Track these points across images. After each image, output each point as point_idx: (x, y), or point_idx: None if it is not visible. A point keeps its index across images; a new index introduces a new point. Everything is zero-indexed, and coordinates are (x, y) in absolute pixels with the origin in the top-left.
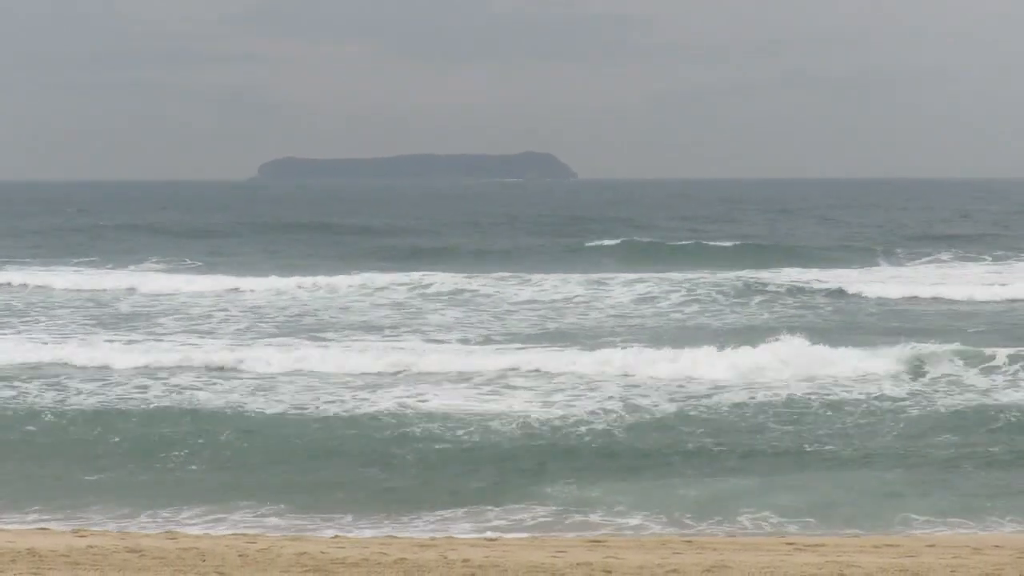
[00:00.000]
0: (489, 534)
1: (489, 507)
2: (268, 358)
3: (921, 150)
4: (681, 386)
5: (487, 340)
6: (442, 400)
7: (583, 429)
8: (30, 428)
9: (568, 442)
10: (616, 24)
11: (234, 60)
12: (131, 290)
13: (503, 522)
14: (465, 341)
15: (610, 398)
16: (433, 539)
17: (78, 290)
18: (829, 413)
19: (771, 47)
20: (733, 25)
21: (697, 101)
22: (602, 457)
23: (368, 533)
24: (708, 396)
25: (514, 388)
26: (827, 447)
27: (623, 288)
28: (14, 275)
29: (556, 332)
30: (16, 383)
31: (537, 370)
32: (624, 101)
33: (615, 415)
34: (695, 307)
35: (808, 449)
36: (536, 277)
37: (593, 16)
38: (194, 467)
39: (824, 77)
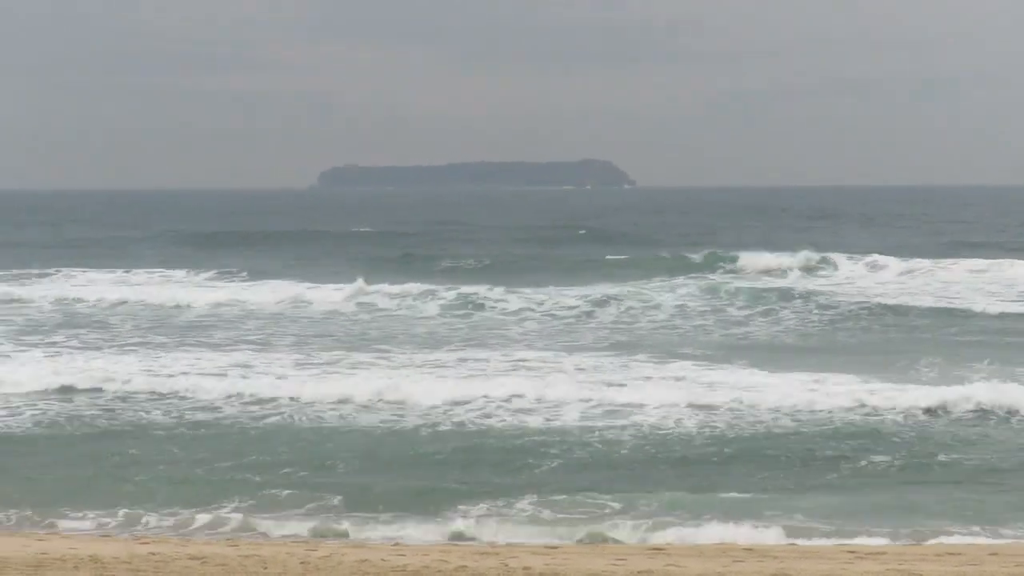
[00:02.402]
0: (555, 541)
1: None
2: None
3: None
4: None
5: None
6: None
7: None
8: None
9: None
10: (667, 29)
11: (293, 67)
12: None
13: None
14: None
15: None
16: (494, 546)
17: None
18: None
19: (824, 49)
20: (788, 28)
21: (753, 106)
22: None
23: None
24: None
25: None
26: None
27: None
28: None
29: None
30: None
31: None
32: (680, 106)
33: None
34: None
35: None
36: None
37: (643, 21)
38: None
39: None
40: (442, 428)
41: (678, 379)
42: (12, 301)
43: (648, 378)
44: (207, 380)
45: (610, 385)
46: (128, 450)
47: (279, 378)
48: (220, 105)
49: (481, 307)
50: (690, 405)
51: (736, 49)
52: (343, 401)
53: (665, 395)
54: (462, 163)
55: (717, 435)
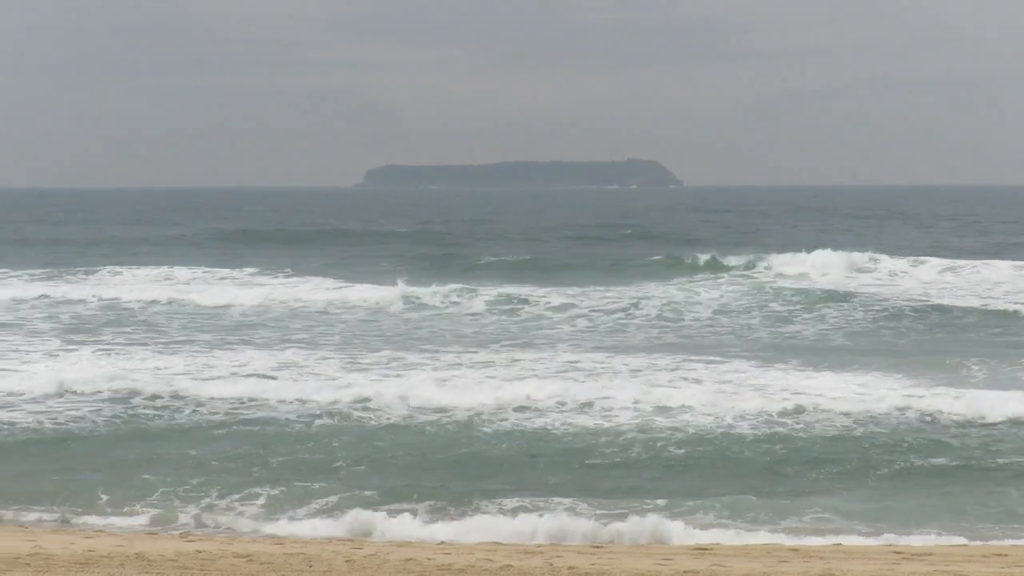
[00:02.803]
0: (601, 540)
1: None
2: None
3: None
4: None
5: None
6: None
7: None
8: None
9: None
10: (716, 29)
11: (339, 65)
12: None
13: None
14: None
15: None
16: (539, 545)
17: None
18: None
19: (871, 49)
20: (835, 28)
21: (800, 106)
22: None
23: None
24: None
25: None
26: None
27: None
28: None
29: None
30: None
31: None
32: (728, 106)
33: None
34: None
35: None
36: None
37: (690, 20)
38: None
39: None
40: (492, 428)
41: (727, 380)
42: (61, 301)
43: (698, 381)
44: (258, 380)
45: (656, 385)
46: (187, 450)
47: (328, 379)
48: (267, 105)
49: (526, 306)
50: (737, 406)
51: (784, 49)
52: (396, 400)
53: (713, 396)
54: (508, 162)
55: (766, 435)
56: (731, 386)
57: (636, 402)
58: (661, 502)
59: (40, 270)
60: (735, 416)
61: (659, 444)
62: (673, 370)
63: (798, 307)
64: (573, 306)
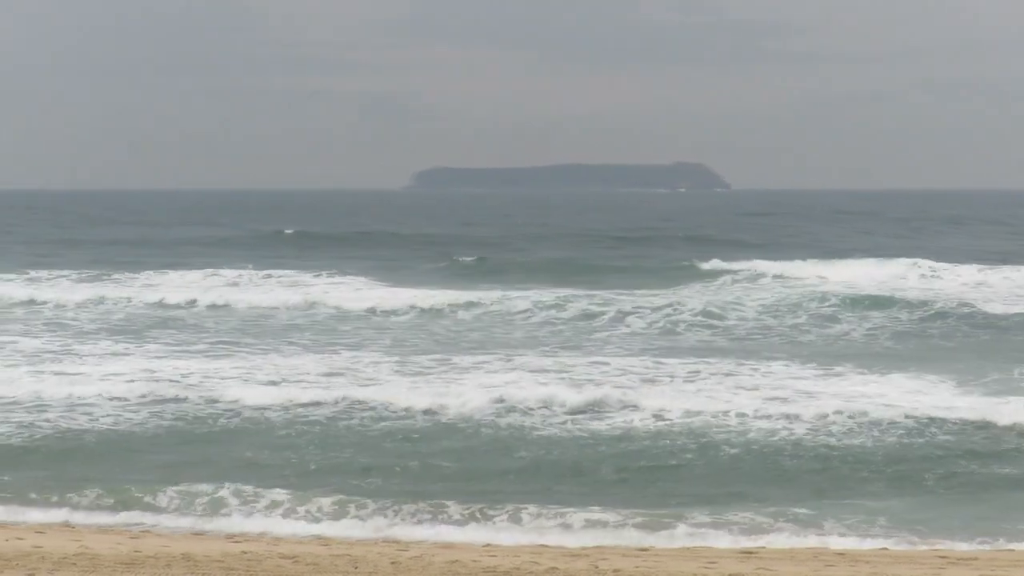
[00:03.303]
0: (647, 543)
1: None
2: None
3: None
4: None
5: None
6: None
7: None
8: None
9: None
10: (760, 31)
11: (389, 68)
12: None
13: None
14: None
15: None
16: (584, 548)
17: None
18: None
19: (919, 52)
20: (883, 31)
21: (848, 108)
22: None
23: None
24: None
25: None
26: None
27: None
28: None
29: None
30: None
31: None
32: (774, 108)
33: None
34: None
35: None
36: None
37: (740, 22)
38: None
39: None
40: (542, 431)
41: (777, 385)
42: (108, 301)
43: (753, 386)
44: (305, 383)
45: (707, 390)
46: (234, 452)
47: (376, 382)
48: (317, 107)
49: (573, 309)
50: (786, 410)
51: (835, 52)
52: (447, 403)
53: (763, 401)
54: (555, 165)
55: (814, 440)
56: (781, 390)
57: (687, 406)
58: (708, 506)
59: (88, 271)
60: (784, 420)
61: (709, 448)
62: (727, 375)
63: (845, 312)
64: (619, 309)
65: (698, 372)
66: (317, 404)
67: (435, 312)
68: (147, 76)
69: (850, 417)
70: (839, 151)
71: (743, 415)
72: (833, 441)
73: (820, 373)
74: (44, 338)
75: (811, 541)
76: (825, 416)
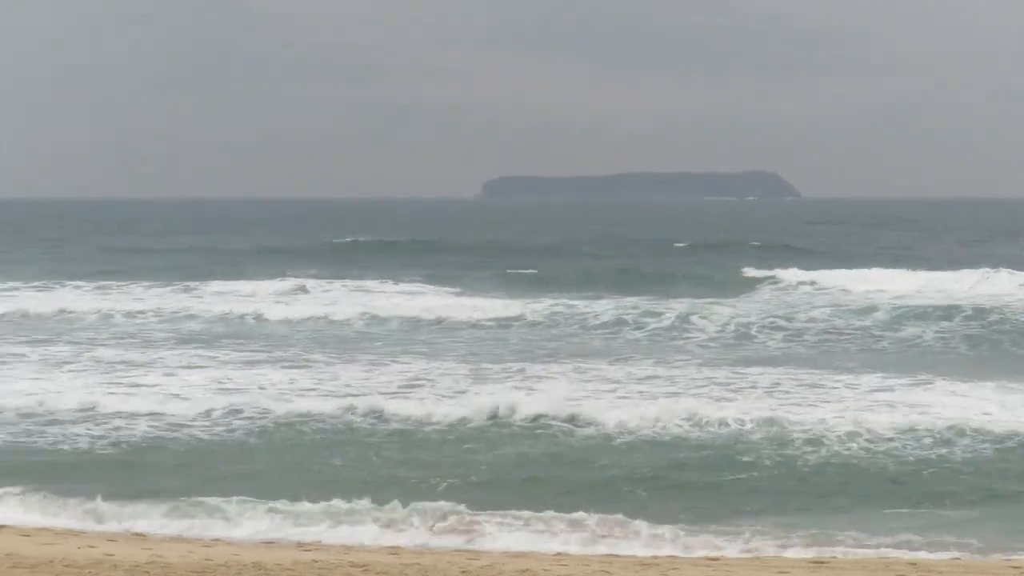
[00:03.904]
0: (716, 553)
1: None
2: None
3: None
4: None
5: None
6: None
7: None
8: None
9: None
10: (835, 39)
11: (459, 77)
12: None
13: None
14: None
15: None
16: (655, 558)
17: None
18: None
19: (990, 59)
20: (953, 38)
21: (920, 116)
22: None
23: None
24: None
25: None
26: None
27: None
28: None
29: None
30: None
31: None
32: (846, 116)
33: None
34: None
35: None
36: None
37: (812, 31)
38: None
39: None
40: (621, 441)
41: (857, 396)
42: (181, 312)
43: (836, 399)
44: (376, 394)
45: (789, 399)
46: (308, 462)
47: (449, 392)
48: (387, 115)
49: (649, 318)
50: (863, 419)
51: (903, 59)
52: (524, 413)
53: (840, 412)
54: (626, 174)
55: (891, 449)
56: (860, 400)
57: (763, 415)
58: (780, 516)
59: (158, 280)
60: (860, 430)
61: (783, 458)
62: (804, 384)
63: (916, 321)
64: (688, 318)
65: (778, 383)
66: (386, 413)
67: (505, 321)
68: (212, 83)
69: (926, 427)
70: (909, 159)
71: (820, 425)
72: (906, 451)
73: (898, 383)
74: (116, 348)
75: (883, 551)
76: (901, 425)
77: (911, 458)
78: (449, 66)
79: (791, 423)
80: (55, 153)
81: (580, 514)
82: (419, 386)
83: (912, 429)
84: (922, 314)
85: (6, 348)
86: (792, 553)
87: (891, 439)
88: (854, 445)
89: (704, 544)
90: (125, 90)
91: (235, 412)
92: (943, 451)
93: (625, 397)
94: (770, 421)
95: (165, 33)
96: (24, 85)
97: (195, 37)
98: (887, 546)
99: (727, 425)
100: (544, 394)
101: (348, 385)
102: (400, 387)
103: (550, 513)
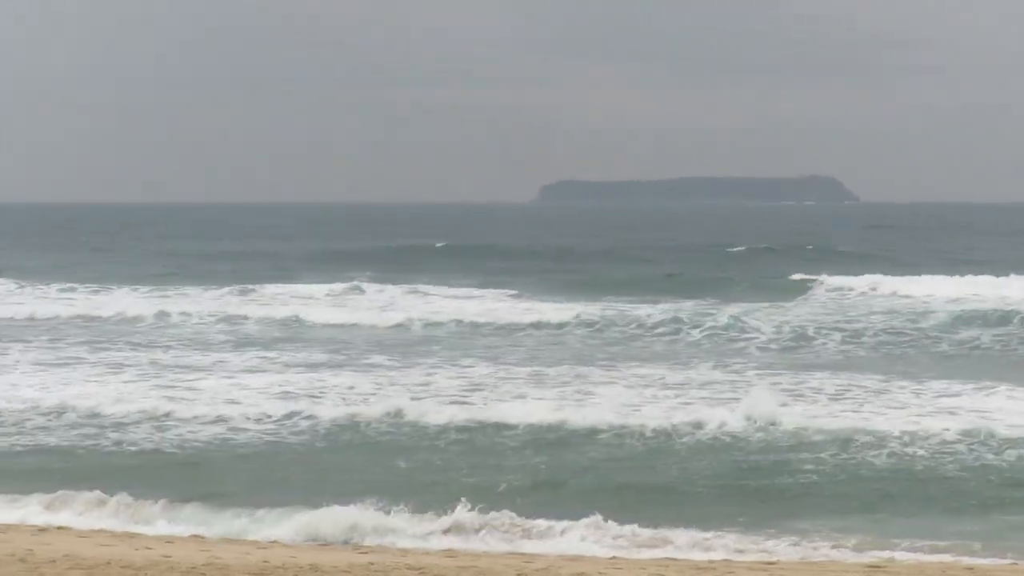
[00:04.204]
0: (775, 557)
1: None
2: None
3: None
4: None
5: None
6: None
7: None
8: None
9: None
10: (890, 44)
11: (515, 82)
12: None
13: None
14: None
15: None
16: (711, 562)
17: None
18: None
19: None
20: (1014, 42)
21: (979, 120)
22: None
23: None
24: None
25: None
26: None
27: None
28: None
29: None
30: None
31: None
32: (905, 121)
33: None
34: None
35: None
36: None
37: (870, 36)
38: None
39: None
40: (681, 445)
41: (922, 402)
42: (242, 317)
43: (901, 404)
44: (437, 398)
45: (853, 405)
46: (374, 466)
47: (508, 397)
48: (443, 120)
49: (708, 323)
50: (924, 426)
51: (961, 63)
52: (588, 417)
53: (903, 416)
54: (683, 178)
55: (954, 457)
56: (926, 406)
57: (825, 421)
58: (838, 520)
59: (221, 284)
60: (924, 433)
61: (843, 462)
62: (873, 391)
63: (973, 326)
64: (750, 321)
65: (840, 387)
66: (447, 417)
67: (560, 325)
68: (276, 90)
69: (987, 433)
70: (968, 163)
71: (881, 429)
72: (967, 456)
73: (960, 387)
74: (175, 350)
75: (940, 556)
76: (962, 431)
77: (973, 464)
78: (508, 71)
79: (853, 427)
80: (99, 156)
81: (637, 518)
82: (479, 390)
83: (974, 434)
84: (979, 318)
85: (67, 351)
86: (848, 557)
87: (953, 444)
88: (916, 450)
89: (760, 548)
90: (153, 94)
91: (296, 415)
92: (1006, 457)
93: (688, 403)
94: (831, 425)
95: (217, 36)
96: (62, 85)
97: (245, 39)
98: (944, 551)
99: (787, 429)
100: (603, 399)
101: (409, 388)
102: (461, 390)
103: (606, 517)
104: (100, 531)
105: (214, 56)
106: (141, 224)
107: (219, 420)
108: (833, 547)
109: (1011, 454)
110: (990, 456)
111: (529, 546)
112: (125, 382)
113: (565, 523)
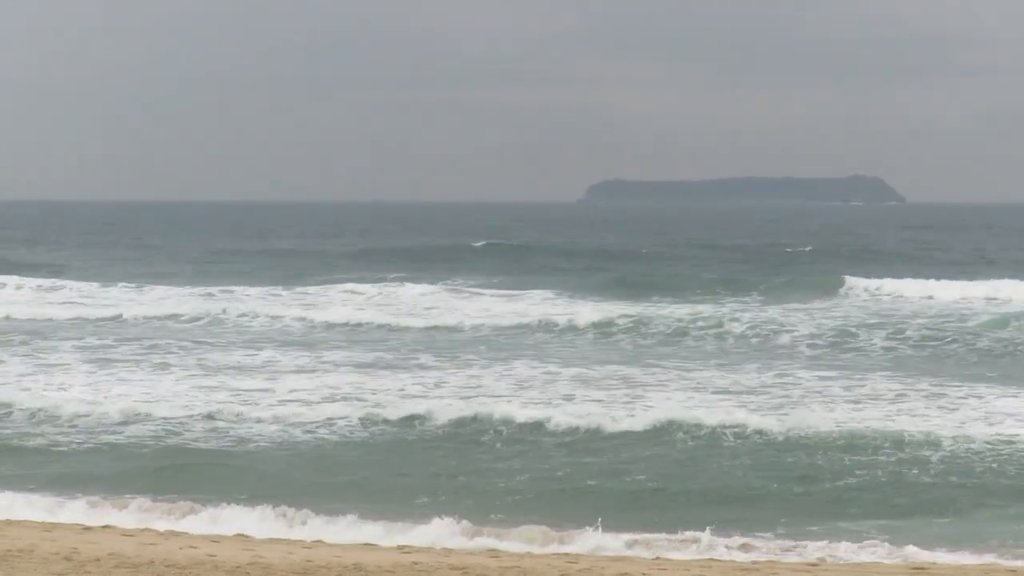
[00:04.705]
0: (819, 558)
1: None
2: None
3: None
4: None
5: None
6: None
7: None
8: None
9: None
10: (940, 44)
11: (561, 81)
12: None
13: None
14: None
15: None
16: (755, 563)
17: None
18: None
19: None
20: None
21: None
22: None
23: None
24: None
25: None
26: None
27: None
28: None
29: None
30: None
31: None
32: (953, 122)
33: None
34: None
35: None
36: None
37: (918, 35)
38: None
39: None
40: (726, 445)
41: (975, 405)
42: (293, 312)
43: (955, 407)
44: (482, 398)
45: (905, 409)
46: (417, 467)
47: (551, 398)
48: (489, 119)
49: (737, 324)
50: (976, 430)
51: (1008, 63)
52: (623, 422)
53: (960, 421)
54: (730, 178)
55: (1008, 460)
56: (977, 411)
57: (881, 422)
58: (882, 520)
59: (266, 283)
60: (976, 437)
61: (901, 464)
62: (924, 394)
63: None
64: (782, 323)
65: (890, 389)
66: (496, 418)
67: (605, 325)
68: (324, 88)
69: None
70: (1017, 164)
71: (933, 432)
72: (1014, 460)
73: (1004, 391)
74: (224, 351)
75: (985, 558)
76: (1012, 436)
77: (1012, 466)
78: (553, 71)
79: (902, 430)
80: (134, 154)
81: (679, 519)
82: (528, 389)
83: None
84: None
85: (117, 352)
86: (892, 559)
87: (1005, 447)
88: (968, 453)
89: (804, 549)
90: (212, 95)
91: (345, 417)
92: None
93: (741, 405)
94: (880, 427)
95: (260, 39)
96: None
97: (282, 40)
98: (990, 552)
99: (832, 430)
100: (652, 401)
101: (458, 389)
102: (509, 391)
103: (651, 519)
104: (145, 530)
105: (237, 55)
106: (179, 223)
107: (270, 420)
108: (878, 549)
109: None
110: None
111: (573, 547)
112: (176, 382)
113: (608, 525)
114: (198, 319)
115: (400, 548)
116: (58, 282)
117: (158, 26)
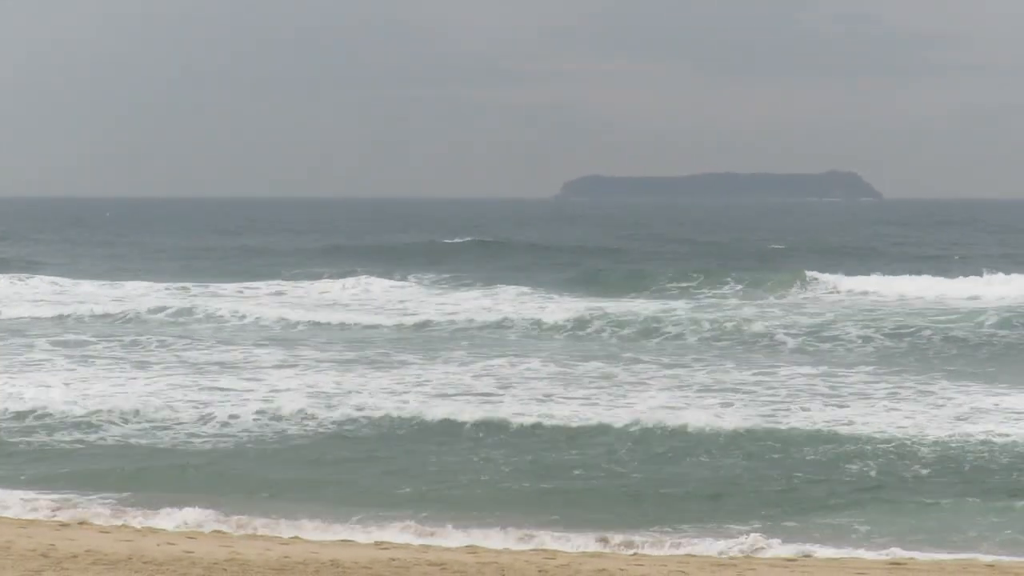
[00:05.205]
0: (797, 553)
1: None
2: None
3: None
4: None
5: None
6: None
7: None
8: None
9: None
10: (917, 42)
11: (537, 78)
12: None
13: None
14: None
15: None
16: (732, 559)
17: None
18: None
19: None
20: None
21: (1000, 118)
22: None
23: None
24: None
25: None
26: None
27: None
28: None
29: None
30: None
31: None
32: (929, 119)
33: None
34: None
35: None
36: None
37: (893, 33)
38: None
39: None
40: (714, 444)
41: (960, 403)
42: (279, 311)
43: (940, 404)
44: (465, 397)
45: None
46: (393, 465)
47: (533, 397)
48: (466, 116)
49: (721, 321)
50: (960, 426)
51: (985, 62)
52: (606, 421)
53: (945, 418)
54: (707, 174)
55: (974, 454)
56: (961, 408)
57: (866, 420)
58: (862, 517)
59: (239, 280)
60: (958, 432)
61: (882, 462)
62: (908, 392)
63: (995, 330)
64: (776, 322)
65: (878, 386)
66: (480, 416)
67: (580, 322)
68: (307, 88)
69: (997, 433)
70: (993, 161)
71: (915, 430)
72: (985, 455)
73: (994, 387)
74: (199, 349)
75: (961, 554)
76: (997, 431)
77: (985, 461)
78: (533, 67)
79: (880, 426)
80: (139, 153)
81: (659, 517)
82: (508, 387)
83: (1013, 433)
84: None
85: (98, 349)
86: (871, 555)
87: (983, 443)
88: (947, 449)
89: (781, 545)
90: (206, 94)
91: (327, 415)
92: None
93: (727, 404)
94: (858, 423)
95: (258, 34)
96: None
97: (277, 37)
98: (968, 547)
99: (810, 427)
100: (630, 398)
101: (440, 387)
102: (490, 389)
103: (628, 516)
104: (122, 526)
105: (229, 56)
106: (157, 219)
107: (250, 417)
108: (856, 544)
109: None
110: (1004, 455)
111: (550, 543)
112: (154, 380)
113: (585, 522)
114: (170, 311)
115: (377, 544)
116: (33, 277)
117: (157, 25)
